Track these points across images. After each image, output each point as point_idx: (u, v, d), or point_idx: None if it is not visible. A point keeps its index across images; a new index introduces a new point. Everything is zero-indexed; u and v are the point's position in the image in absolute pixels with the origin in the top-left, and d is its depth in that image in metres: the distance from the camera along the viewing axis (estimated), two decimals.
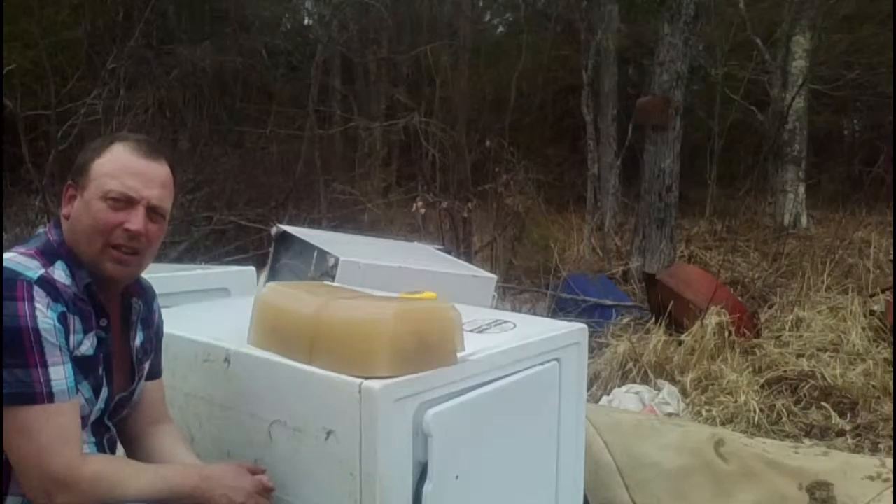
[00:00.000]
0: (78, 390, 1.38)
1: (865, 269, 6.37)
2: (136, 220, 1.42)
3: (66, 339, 1.35)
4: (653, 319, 5.19)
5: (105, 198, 1.41)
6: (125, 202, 1.42)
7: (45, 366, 1.30)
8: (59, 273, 1.39)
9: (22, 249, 1.41)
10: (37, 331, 1.30)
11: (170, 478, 1.41)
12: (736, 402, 3.96)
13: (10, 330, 1.28)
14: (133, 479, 1.36)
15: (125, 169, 1.43)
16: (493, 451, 1.65)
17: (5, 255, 1.38)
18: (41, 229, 1.50)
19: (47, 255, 1.40)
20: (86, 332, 1.41)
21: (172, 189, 1.52)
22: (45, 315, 1.31)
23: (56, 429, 1.30)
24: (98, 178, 1.43)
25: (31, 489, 1.31)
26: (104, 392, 1.46)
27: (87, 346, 1.41)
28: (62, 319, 1.35)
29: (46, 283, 1.35)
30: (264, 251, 5.28)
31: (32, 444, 1.29)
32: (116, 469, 1.38)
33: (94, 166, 1.44)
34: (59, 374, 1.32)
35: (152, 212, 1.45)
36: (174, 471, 1.45)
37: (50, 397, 1.30)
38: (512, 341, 1.75)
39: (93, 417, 1.46)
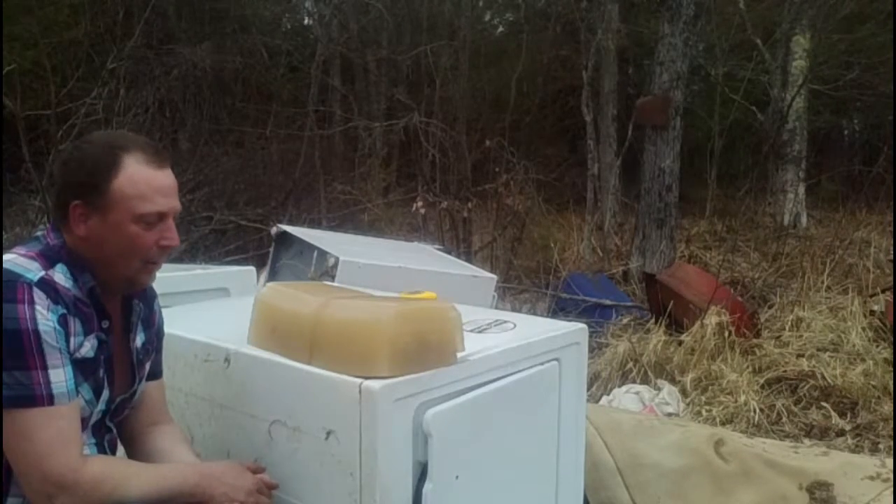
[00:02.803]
0: (78, 392, 1.37)
1: (865, 269, 6.37)
2: (172, 236, 1.45)
3: (67, 341, 1.35)
4: (653, 319, 5.19)
5: (139, 221, 1.41)
6: (157, 218, 1.43)
7: (44, 368, 1.29)
8: (60, 276, 1.38)
9: (22, 251, 1.40)
10: (37, 333, 1.29)
11: (170, 477, 1.41)
12: (736, 402, 3.96)
13: (10, 332, 1.27)
14: (134, 480, 1.36)
15: (150, 187, 1.42)
16: (493, 451, 1.65)
17: (5, 257, 1.37)
18: (40, 232, 1.49)
19: (48, 258, 1.40)
20: (86, 334, 1.40)
21: None
22: (45, 317, 1.31)
23: (56, 431, 1.30)
24: (124, 201, 1.40)
25: (32, 492, 1.31)
26: (105, 394, 1.46)
27: (88, 349, 1.41)
28: (62, 322, 1.34)
29: (47, 285, 1.34)
30: (264, 251, 5.28)
31: (32, 446, 1.28)
32: (117, 470, 1.37)
33: (114, 188, 1.40)
34: (59, 376, 1.31)
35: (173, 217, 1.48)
36: (175, 470, 1.45)
37: (50, 399, 1.30)
38: (512, 341, 1.75)
39: (93, 419, 1.46)
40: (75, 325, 1.38)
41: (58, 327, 1.33)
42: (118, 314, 1.53)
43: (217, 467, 1.48)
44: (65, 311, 1.35)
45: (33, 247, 1.42)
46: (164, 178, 1.45)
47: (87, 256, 1.43)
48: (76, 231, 1.42)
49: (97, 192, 1.40)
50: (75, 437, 1.33)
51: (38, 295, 1.32)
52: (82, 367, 1.39)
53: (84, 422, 1.42)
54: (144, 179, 1.41)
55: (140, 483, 1.36)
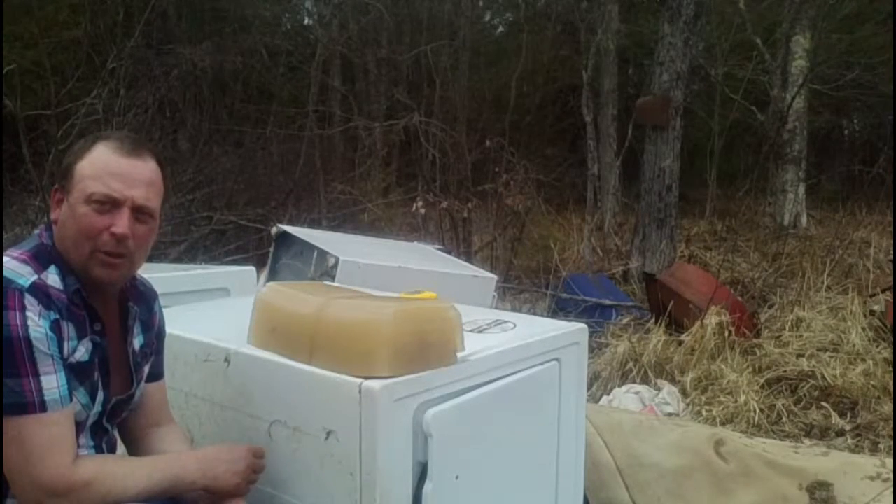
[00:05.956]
0: (73, 398, 1.36)
1: (865, 269, 6.37)
2: (121, 223, 1.39)
3: (60, 346, 1.34)
4: (653, 319, 5.19)
5: (89, 201, 1.38)
6: (110, 204, 1.39)
7: (36, 375, 1.29)
8: (53, 278, 1.37)
9: (16, 253, 1.39)
10: (28, 340, 1.28)
11: (168, 468, 1.41)
12: (736, 402, 3.96)
13: (2, 340, 1.26)
14: (130, 480, 1.35)
15: (106, 170, 1.40)
16: (493, 451, 1.65)
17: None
18: (38, 230, 1.48)
19: (41, 260, 1.38)
20: (80, 338, 1.39)
21: (161, 186, 1.48)
22: (36, 324, 1.30)
23: (47, 438, 1.29)
24: (81, 180, 1.40)
25: (24, 500, 1.30)
26: (100, 395, 1.45)
27: (83, 353, 1.39)
28: (55, 327, 1.33)
29: (39, 291, 1.33)
30: (264, 251, 5.27)
31: (23, 453, 1.28)
32: (112, 472, 1.36)
33: (78, 169, 1.41)
34: (52, 383, 1.30)
35: (139, 212, 1.42)
36: (171, 460, 1.45)
37: (42, 406, 1.29)
38: (512, 341, 1.75)
39: (90, 421, 1.45)
40: (68, 329, 1.36)
41: (50, 333, 1.31)
42: (114, 317, 1.51)
43: (210, 449, 1.49)
44: (57, 315, 1.34)
45: (28, 246, 1.41)
46: (127, 166, 1.41)
47: (60, 249, 1.41)
48: (53, 216, 1.44)
49: (68, 174, 1.42)
50: (68, 442, 1.32)
51: (30, 301, 1.30)
52: (77, 372, 1.38)
53: (81, 425, 1.41)
54: (104, 162, 1.40)
55: (137, 481, 1.35)
